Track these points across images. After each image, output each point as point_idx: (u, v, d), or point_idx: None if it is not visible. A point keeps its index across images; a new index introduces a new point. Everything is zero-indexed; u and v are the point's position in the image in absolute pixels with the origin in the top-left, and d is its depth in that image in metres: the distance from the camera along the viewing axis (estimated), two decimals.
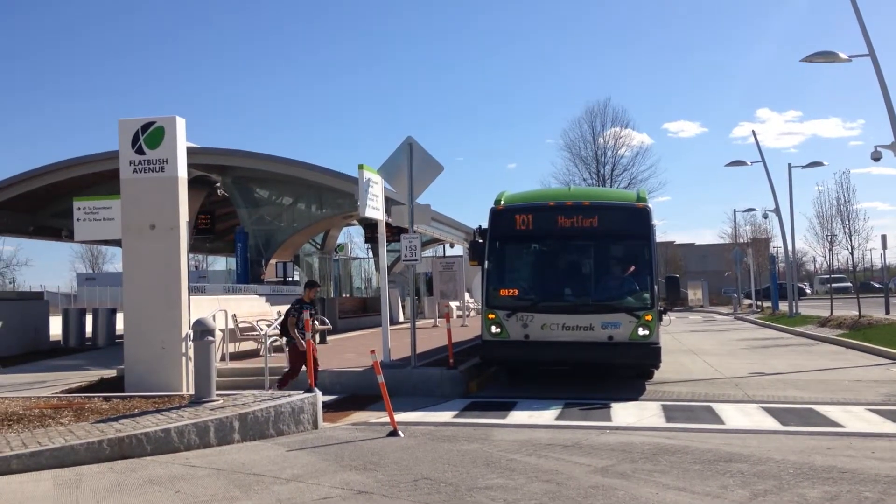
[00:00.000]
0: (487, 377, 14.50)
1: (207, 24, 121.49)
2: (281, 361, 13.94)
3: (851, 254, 27.30)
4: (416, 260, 13.89)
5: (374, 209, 13.97)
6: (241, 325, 15.46)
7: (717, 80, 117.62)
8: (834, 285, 42.32)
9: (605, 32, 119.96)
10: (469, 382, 13.36)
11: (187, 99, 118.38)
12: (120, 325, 13.30)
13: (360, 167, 13.49)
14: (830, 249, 28.69)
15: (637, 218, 13.52)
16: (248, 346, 15.99)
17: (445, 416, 10.84)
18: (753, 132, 44.64)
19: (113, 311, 23.55)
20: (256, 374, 13.06)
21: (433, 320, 28.77)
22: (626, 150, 55.23)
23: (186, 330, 11.24)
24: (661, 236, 47.71)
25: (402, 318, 30.66)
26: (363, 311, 29.89)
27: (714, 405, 11.38)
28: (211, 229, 28.28)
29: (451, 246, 38.78)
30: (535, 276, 14.16)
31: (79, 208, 15.32)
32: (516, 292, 13.60)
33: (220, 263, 53.75)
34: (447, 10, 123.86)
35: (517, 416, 10.69)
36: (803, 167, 33.79)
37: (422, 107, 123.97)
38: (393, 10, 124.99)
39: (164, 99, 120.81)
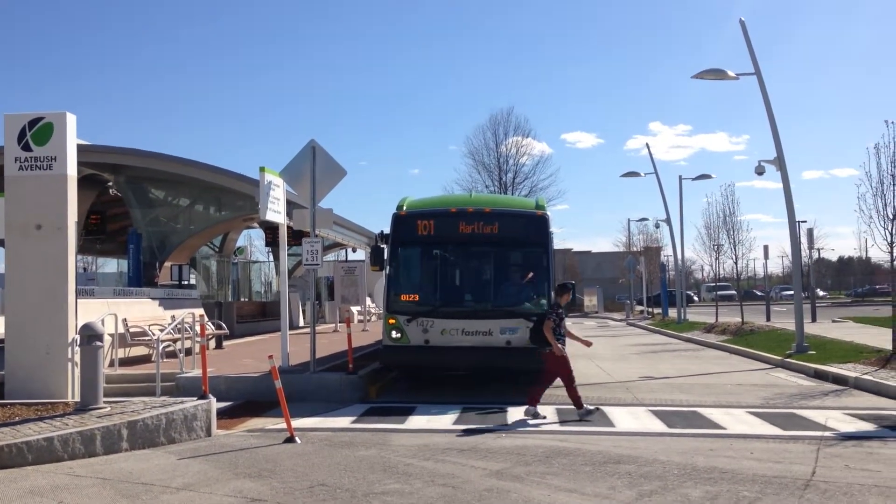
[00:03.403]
0: (387, 382, 14.50)
1: (103, 23, 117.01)
2: (173, 367, 13.51)
3: (736, 263, 28.72)
4: (317, 264, 13.80)
5: (276, 212, 13.81)
6: (132, 330, 14.92)
7: (611, 93, 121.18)
8: (719, 293, 44.32)
9: (507, 41, 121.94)
10: (369, 387, 13.33)
11: (81, 97, 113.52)
12: (0, 328, 12.62)
13: (262, 169, 13.33)
14: (717, 258, 30.08)
15: (536, 225, 13.85)
16: (140, 351, 15.45)
17: (344, 421, 10.79)
18: (647, 145, 46.36)
19: None
20: (147, 381, 12.63)
21: (334, 325, 28.52)
22: (527, 159, 56.25)
23: (73, 334, 10.80)
24: (559, 244, 48.80)
25: (302, 323, 30.29)
26: (262, 316, 29.37)
27: (605, 408, 11.74)
28: (102, 230, 27.11)
29: (354, 250, 38.73)
30: (436, 281, 14.28)
31: None
32: (417, 297, 13.71)
33: (111, 265, 51.56)
34: (350, 13, 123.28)
35: (415, 421, 10.75)
36: (693, 179, 35.36)
37: (325, 110, 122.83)
38: (296, 13, 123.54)
39: (57, 97, 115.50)
